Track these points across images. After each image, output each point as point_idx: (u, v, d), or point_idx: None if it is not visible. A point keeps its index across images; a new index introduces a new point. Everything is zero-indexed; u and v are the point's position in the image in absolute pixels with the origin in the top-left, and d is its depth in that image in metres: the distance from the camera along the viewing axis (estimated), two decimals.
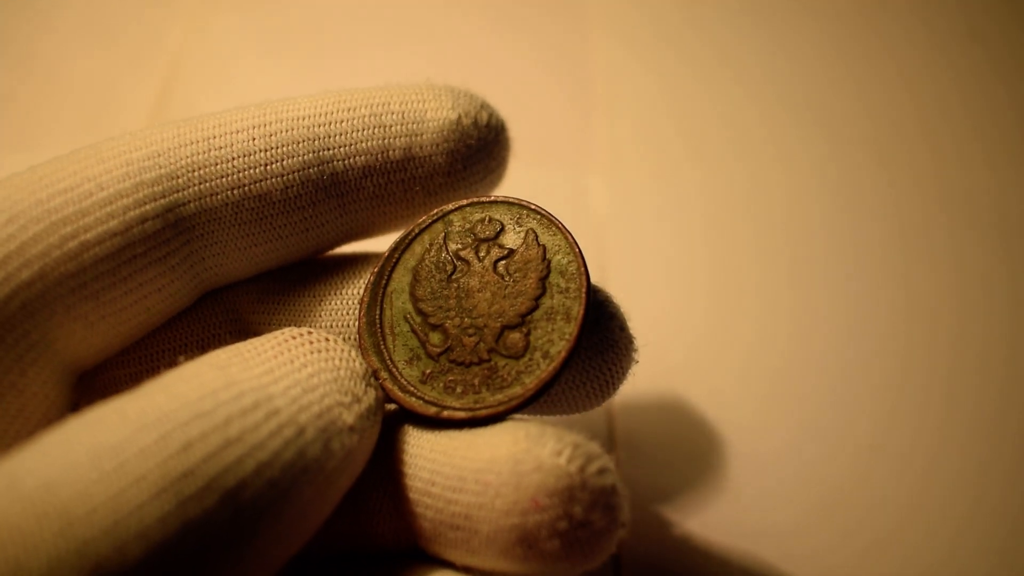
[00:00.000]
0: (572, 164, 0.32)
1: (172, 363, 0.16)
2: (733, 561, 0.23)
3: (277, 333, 0.17)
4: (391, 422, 0.18)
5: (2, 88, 0.34)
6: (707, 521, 0.24)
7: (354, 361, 0.17)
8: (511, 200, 0.19)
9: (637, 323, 0.19)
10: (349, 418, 0.16)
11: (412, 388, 0.18)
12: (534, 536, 0.15)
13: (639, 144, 0.33)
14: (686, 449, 0.25)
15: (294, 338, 0.17)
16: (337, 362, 0.16)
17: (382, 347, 0.19)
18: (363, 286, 0.19)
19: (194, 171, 0.18)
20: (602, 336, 0.18)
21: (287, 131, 0.19)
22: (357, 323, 0.19)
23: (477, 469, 0.16)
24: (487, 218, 0.19)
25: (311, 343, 0.17)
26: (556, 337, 0.18)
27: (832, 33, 0.36)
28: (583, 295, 0.18)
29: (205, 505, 0.14)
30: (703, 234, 0.30)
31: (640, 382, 0.20)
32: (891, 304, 0.29)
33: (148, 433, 0.14)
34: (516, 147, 0.21)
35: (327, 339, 0.17)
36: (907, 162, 0.32)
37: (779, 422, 0.26)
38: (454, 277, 0.19)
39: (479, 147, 0.19)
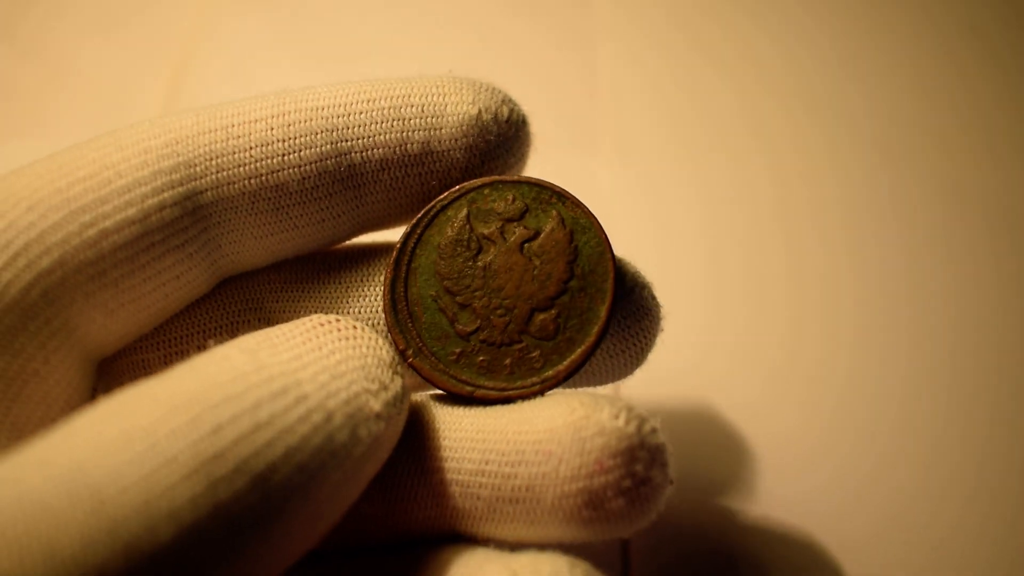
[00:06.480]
0: (578, 148, 0.32)
1: (202, 347, 0.16)
2: (741, 543, 0.24)
3: (305, 320, 0.17)
4: (419, 415, 0.18)
5: (13, 77, 0.33)
6: (715, 510, 0.24)
7: (381, 349, 0.17)
8: (535, 181, 0.19)
9: None
10: (376, 405, 0.16)
11: (443, 367, 0.18)
12: (600, 497, 0.16)
13: (645, 129, 0.33)
14: (692, 436, 0.26)
15: (322, 325, 0.17)
16: (364, 349, 0.16)
17: (409, 324, 0.19)
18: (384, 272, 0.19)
19: (212, 160, 0.18)
20: (636, 305, 0.19)
21: (305, 121, 0.19)
22: (382, 300, 0.19)
23: (536, 440, 0.16)
24: (511, 197, 0.19)
25: (339, 330, 0.17)
26: (586, 320, 0.18)
27: (839, 24, 0.36)
28: (611, 279, 0.18)
29: (235, 487, 0.14)
30: (709, 220, 0.30)
31: (646, 370, 0.20)
32: (893, 294, 0.29)
33: (179, 415, 0.14)
34: None
35: (355, 327, 0.17)
36: (910, 154, 0.32)
37: (788, 410, 0.26)
38: (479, 256, 0.19)
39: (499, 143, 0.19)
